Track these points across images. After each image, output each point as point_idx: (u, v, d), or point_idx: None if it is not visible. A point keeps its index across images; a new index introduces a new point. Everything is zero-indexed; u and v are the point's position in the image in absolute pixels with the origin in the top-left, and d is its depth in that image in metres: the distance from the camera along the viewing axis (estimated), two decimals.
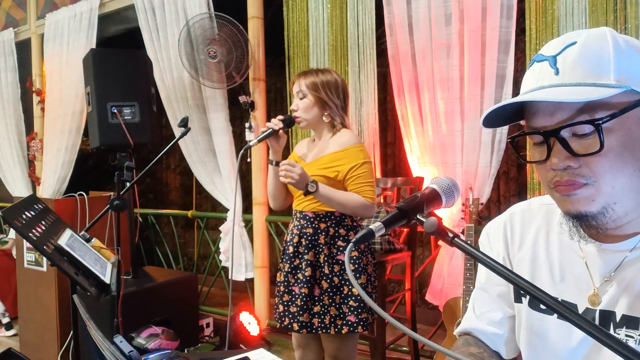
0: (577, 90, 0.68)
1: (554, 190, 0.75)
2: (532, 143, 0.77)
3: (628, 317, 0.75)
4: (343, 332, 1.81)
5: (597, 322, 0.77)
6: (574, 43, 0.71)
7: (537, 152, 0.76)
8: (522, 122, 0.80)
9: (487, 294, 0.97)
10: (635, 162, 0.70)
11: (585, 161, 0.70)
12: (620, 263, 0.77)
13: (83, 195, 3.10)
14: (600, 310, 0.78)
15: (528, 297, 0.88)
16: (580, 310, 0.80)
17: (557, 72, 0.71)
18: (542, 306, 0.86)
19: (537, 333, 0.86)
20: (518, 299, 0.91)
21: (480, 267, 1.02)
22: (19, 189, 4.72)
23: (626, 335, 0.75)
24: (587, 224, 0.75)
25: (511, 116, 0.79)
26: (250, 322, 3.16)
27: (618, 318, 0.76)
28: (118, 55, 2.96)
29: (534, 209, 0.92)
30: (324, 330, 1.82)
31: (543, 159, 0.74)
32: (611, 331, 0.76)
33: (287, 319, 1.87)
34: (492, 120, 0.78)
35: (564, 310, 0.57)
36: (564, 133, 0.71)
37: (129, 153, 2.91)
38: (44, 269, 2.99)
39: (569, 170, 0.71)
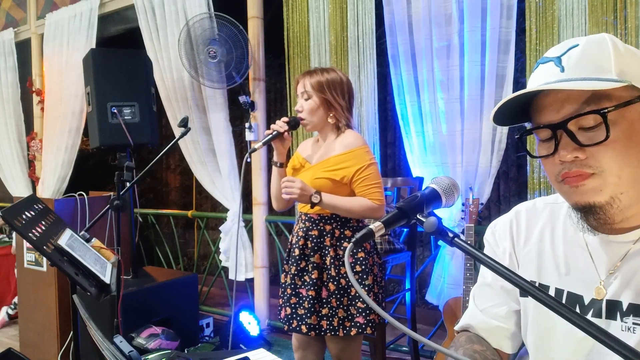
0: (583, 82, 0.72)
1: (562, 183, 0.77)
2: (539, 140, 0.80)
3: (635, 305, 0.77)
4: (352, 333, 1.79)
5: (603, 312, 0.79)
6: (576, 45, 0.76)
7: (545, 147, 0.79)
8: (527, 125, 0.82)
9: (491, 289, 0.98)
10: (639, 153, 0.73)
11: (591, 152, 0.73)
12: (625, 254, 0.78)
13: (83, 195, 3.10)
14: (606, 300, 0.79)
15: None
16: (586, 302, 0.82)
17: (562, 70, 0.75)
18: None
19: (544, 326, 0.88)
20: (524, 293, 0.92)
21: None
22: (19, 189, 4.72)
23: (634, 323, 0.76)
24: (595, 217, 0.76)
25: (517, 116, 0.82)
26: (250, 322, 3.16)
27: (625, 307, 0.77)
28: (118, 55, 2.96)
29: (539, 207, 0.94)
30: (332, 332, 1.81)
31: (551, 153, 0.76)
32: (618, 320, 0.78)
33: (295, 322, 1.86)
34: (501, 116, 0.80)
35: (562, 309, 0.58)
36: (571, 126, 0.74)
37: (129, 153, 2.91)
38: (44, 269, 2.98)
39: (577, 162, 0.74)
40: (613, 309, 0.78)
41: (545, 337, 0.88)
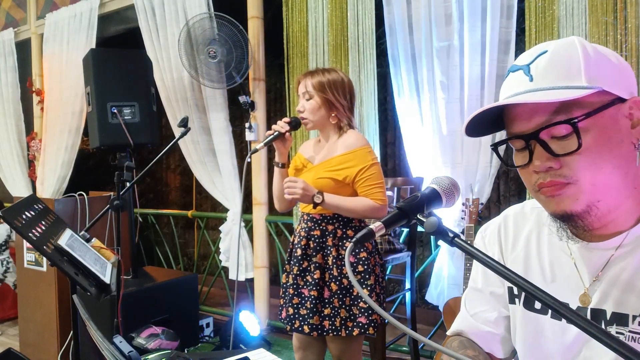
0: (551, 92, 0.71)
1: (539, 192, 0.76)
2: (515, 149, 0.79)
3: (618, 314, 0.76)
4: (354, 333, 1.79)
5: None
6: (545, 52, 0.74)
7: (520, 157, 0.78)
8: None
9: (481, 295, 0.99)
10: (613, 160, 0.72)
11: (565, 161, 0.72)
12: (607, 261, 0.78)
13: (83, 195, 3.10)
14: (591, 309, 0.79)
15: (522, 298, 0.89)
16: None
17: (531, 79, 0.73)
18: (536, 306, 0.87)
19: (533, 332, 0.88)
20: (512, 300, 0.92)
21: (475, 267, 1.02)
22: (19, 189, 4.72)
23: (616, 332, 0.76)
24: (573, 224, 0.76)
25: (492, 125, 0.81)
26: (250, 322, 3.16)
27: (608, 316, 0.77)
28: (118, 55, 2.96)
29: (527, 212, 0.94)
30: (334, 333, 1.81)
31: (525, 163, 0.76)
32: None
33: (297, 322, 1.86)
34: (474, 129, 0.80)
35: (562, 309, 0.58)
36: (543, 136, 0.73)
37: (129, 153, 2.91)
38: (44, 269, 2.98)
39: (551, 172, 0.73)
40: (598, 317, 0.78)
41: (534, 343, 0.88)
